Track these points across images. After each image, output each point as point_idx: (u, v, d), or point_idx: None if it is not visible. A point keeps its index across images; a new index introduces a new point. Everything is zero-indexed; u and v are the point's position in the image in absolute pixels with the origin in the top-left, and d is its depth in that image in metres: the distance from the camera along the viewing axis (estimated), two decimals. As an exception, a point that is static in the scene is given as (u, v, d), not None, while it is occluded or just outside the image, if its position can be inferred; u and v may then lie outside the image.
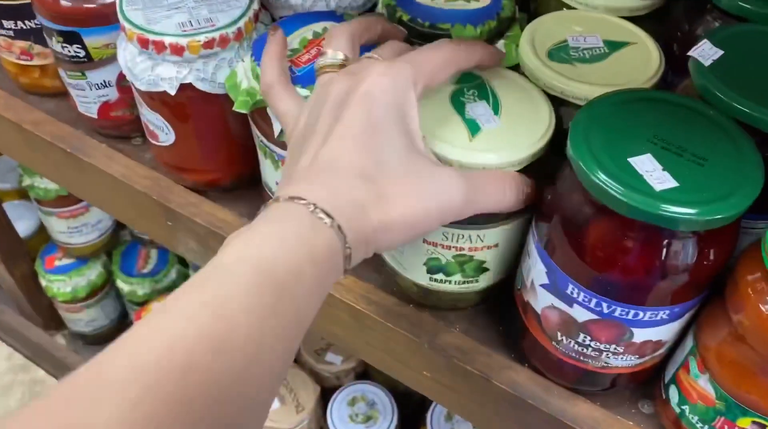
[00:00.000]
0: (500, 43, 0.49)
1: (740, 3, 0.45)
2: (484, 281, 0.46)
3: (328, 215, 0.33)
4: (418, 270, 0.45)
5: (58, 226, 1.01)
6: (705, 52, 0.40)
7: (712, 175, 0.34)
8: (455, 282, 0.45)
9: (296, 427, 0.91)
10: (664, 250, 0.34)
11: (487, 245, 0.43)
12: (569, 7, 0.52)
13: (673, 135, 0.36)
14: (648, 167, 0.34)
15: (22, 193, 1.13)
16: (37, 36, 0.59)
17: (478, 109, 0.41)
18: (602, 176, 0.33)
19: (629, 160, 0.34)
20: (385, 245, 0.36)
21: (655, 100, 0.38)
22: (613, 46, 0.46)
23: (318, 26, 0.47)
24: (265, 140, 0.47)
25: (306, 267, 0.31)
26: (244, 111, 0.45)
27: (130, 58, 0.48)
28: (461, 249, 0.43)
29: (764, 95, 0.38)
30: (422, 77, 0.38)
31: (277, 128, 0.44)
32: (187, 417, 0.25)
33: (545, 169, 0.40)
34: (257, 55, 0.45)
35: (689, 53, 0.40)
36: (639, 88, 0.41)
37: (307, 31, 0.47)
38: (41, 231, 1.11)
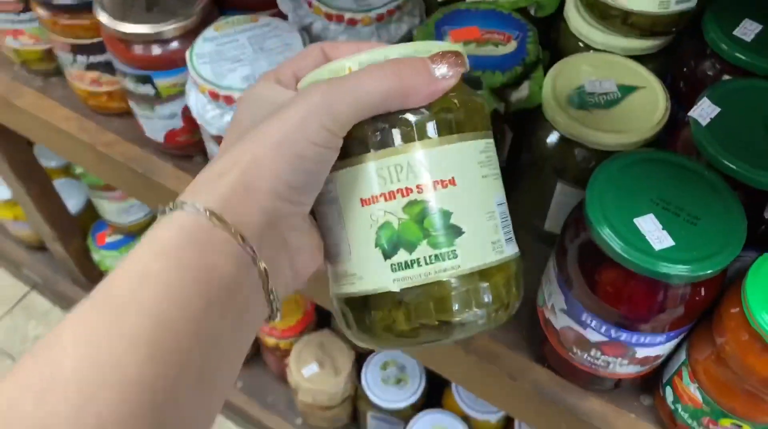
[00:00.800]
0: (525, 85, 0.55)
1: (738, 54, 0.51)
2: (464, 253, 0.32)
3: (175, 203, 0.29)
4: (371, 260, 0.32)
5: (109, 208, 1.10)
6: (704, 111, 0.47)
7: (704, 234, 0.41)
8: (424, 260, 0.32)
9: (334, 388, 1.02)
10: (663, 294, 0.42)
11: (439, 179, 0.32)
12: (586, 45, 0.58)
13: (672, 195, 0.43)
14: (650, 227, 0.41)
15: (68, 171, 1.21)
16: (105, 68, 0.65)
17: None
18: (612, 236, 0.41)
19: (635, 220, 0.42)
20: (271, 177, 0.29)
21: (658, 161, 0.45)
22: (626, 90, 0.53)
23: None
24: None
25: (152, 264, 0.27)
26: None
27: (201, 106, 0.54)
28: (408, 190, 0.32)
29: (755, 151, 0.45)
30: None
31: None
32: None
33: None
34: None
35: (689, 114, 0.47)
36: (647, 150, 0.47)
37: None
38: (89, 207, 1.19)
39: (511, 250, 0.35)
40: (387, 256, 0.32)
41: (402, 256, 0.32)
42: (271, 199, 0.30)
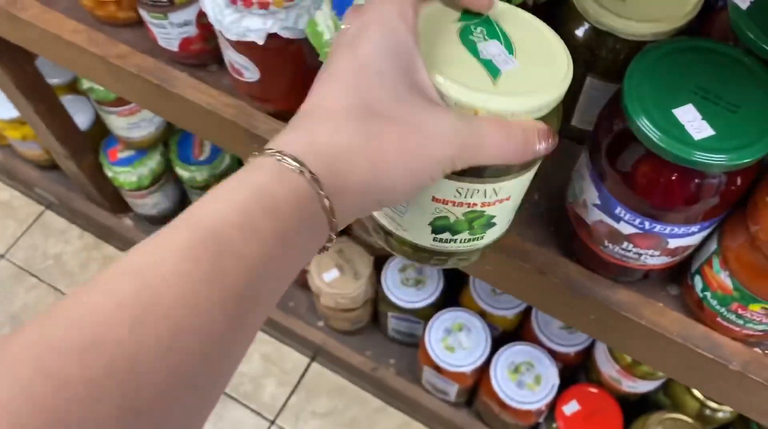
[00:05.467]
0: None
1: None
2: (489, 237, 0.43)
3: (296, 161, 0.30)
4: (421, 230, 0.42)
5: (118, 123, 1.08)
6: (743, -6, 0.45)
7: (743, 123, 0.41)
8: (461, 240, 0.42)
9: (356, 291, 1.05)
10: (699, 184, 0.42)
11: (500, 199, 0.40)
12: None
13: (711, 84, 0.42)
14: (689, 117, 0.41)
15: (74, 87, 1.19)
16: (112, -26, 0.63)
17: (491, 49, 0.37)
18: (651, 127, 0.40)
19: (674, 110, 0.41)
20: (387, 195, 0.33)
21: (696, 49, 0.44)
22: (658, -24, 0.50)
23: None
24: (345, 80, 0.53)
25: (260, 221, 0.28)
26: (329, 61, 0.50)
27: (218, 11, 0.53)
28: (473, 205, 0.39)
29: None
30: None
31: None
32: (85, 399, 0.23)
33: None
34: (336, 4, 0.50)
35: (729, -3, 0.45)
36: (683, 38, 0.46)
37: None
38: (98, 123, 1.18)
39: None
40: (435, 233, 0.41)
41: (446, 236, 0.42)
42: (381, 202, 0.35)
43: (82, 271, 1.40)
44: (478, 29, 0.39)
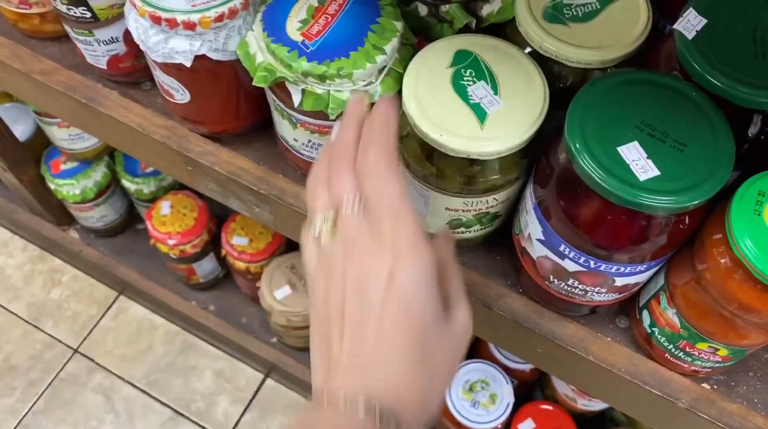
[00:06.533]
0: (498, -3, 0.51)
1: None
2: (497, 224, 0.53)
3: (369, 405, 0.33)
4: (440, 227, 0.51)
5: (60, 134, 1.03)
6: (689, 23, 0.43)
7: (690, 162, 0.39)
8: (474, 231, 0.52)
9: (307, 309, 1.01)
10: (645, 225, 0.40)
11: (501, 201, 0.49)
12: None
13: (658, 120, 0.40)
14: (634, 156, 0.39)
15: (12, 96, 1.13)
16: (33, -14, 0.59)
17: (479, 92, 0.44)
18: (594, 167, 0.38)
19: (618, 148, 0.39)
20: (436, 411, 0.38)
21: (643, 82, 0.42)
22: (606, 0, 0.49)
23: (321, -9, 0.49)
24: (282, 106, 0.50)
25: None
26: (263, 86, 0.47)
27: (142, 31, 0.49)
28: (479, 209, 0.49)
29: (743, 67, 0.42)
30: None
31: (296, 100, 0.47)
32: None
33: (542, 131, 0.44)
34: (268, 26, 0.47)
35: (674, 27, 0.43)
36: (630, 70, 0.44)
37: (312, -2, 0.48)
38: (39, 133, 1.13)
39: None
40: (452, 228, 0.51)
41: (461, 229, 0.51)
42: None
43: (26, 284, 1.34)
44: (468, 71, 0.45)
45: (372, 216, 0.36)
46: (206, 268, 1.13)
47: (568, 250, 0.44)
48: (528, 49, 0.48)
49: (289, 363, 1.15)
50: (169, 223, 1.05)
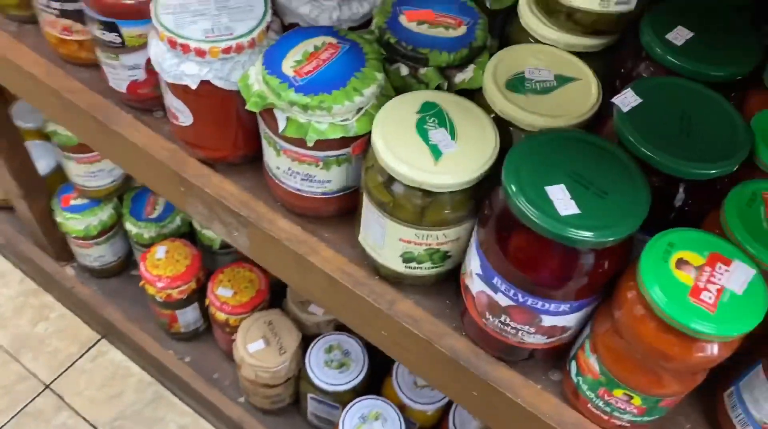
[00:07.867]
0: (470, 68, 0.58)
1: (668, 57, 0.54)
2: (448, 265, 0.57)
3: None
4: (394, 260, 0.56)
5: (77, 170, 1.11)
6: (626, 100, 0.50)
7: (608, 207, 0.44)
8: (425, 268, 0.56)
9: (278, 366, 1.03)
10: (567, 260, 0.45)
11: (450, 240, 0.54)
12: (536, 40, 0.61)
13: (586, 171, 0.46)
14: (559, 196, 0.44)
15: (43, 134, 1.22)
16: (78, 16, 0.67)
17: (438, 136, 0.51)
18: (522, 201, 0.44)
19: (546, 187, 0.44)
20: None
21: (579, 140, 0.48)
22: (562, 80, 0.56)
23: (318, 41, 0.56)
24: (269, 132, 0.56)
25: None
26: (255, 110, 0.54)
27: (159, 53, 0.57)
28: (430, 244, 0.53)
29: (669, 141, 0.48)
30: None
31: (281, 125, 0.54)
32: None
33: (492, 179, 0.50)
34: (267, 62, 0.54)
35: (612, 100, 0.50)
36: (567, 128, 0.50)
37: (308, 45, 0.56)
38: (59, 171, 1.21)
39: None
40: (405, 262, 0.56)
41: (413, 264, 0.56)
42: None
43: (15, 315, 1.37)
44: (432, 119, 0.52)
45: None
46: (189, 317, 1.16)
47: (500, 282, 0.48)
48: (492, 114, 0.55)
49: (252, 424, 1.15)
50: (162, 266, 1.10)
